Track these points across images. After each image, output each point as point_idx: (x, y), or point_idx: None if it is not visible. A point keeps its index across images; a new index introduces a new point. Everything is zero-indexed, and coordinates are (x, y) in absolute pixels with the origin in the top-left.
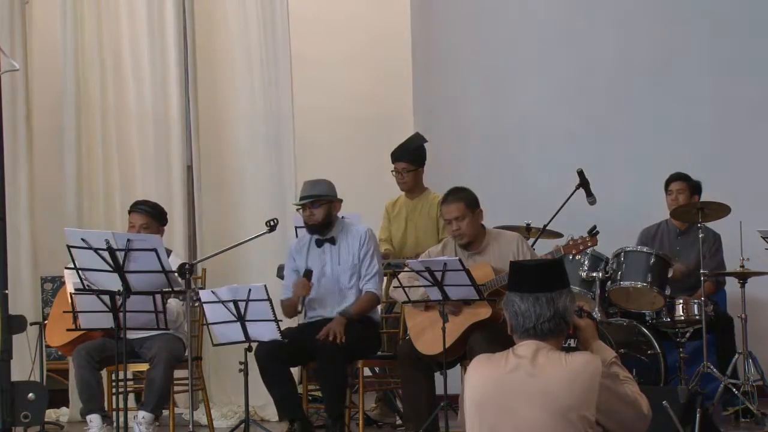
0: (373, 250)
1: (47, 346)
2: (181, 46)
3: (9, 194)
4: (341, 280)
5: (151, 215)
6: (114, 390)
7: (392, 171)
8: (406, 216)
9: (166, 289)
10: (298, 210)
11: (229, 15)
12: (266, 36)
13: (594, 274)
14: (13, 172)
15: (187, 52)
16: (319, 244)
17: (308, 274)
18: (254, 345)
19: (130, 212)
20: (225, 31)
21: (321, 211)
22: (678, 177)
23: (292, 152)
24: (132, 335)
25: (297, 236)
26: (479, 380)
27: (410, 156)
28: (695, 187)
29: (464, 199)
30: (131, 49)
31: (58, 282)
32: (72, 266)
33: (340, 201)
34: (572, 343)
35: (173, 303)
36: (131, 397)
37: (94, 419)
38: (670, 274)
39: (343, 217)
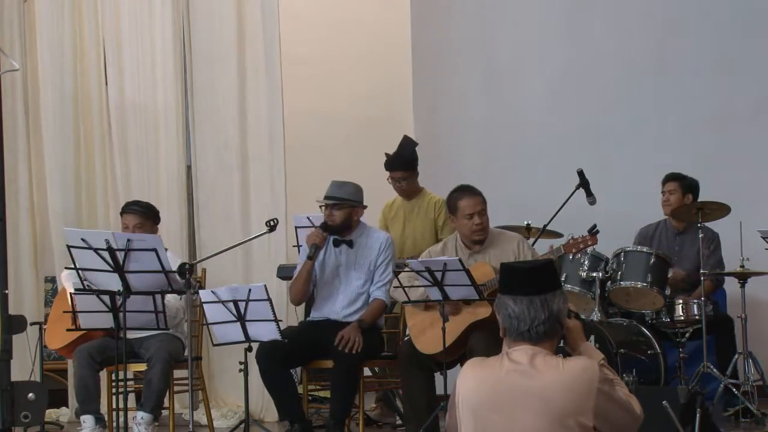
0: (390, 259)
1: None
2: (180, 45)
3: (10, 193)
4: (353, 284)
5: (144, 215)
6: (114, 390)
7: (388, 179)
8: (404, 218)
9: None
10: (321, 207)
11: (224, 15)
12: (255, 36)
13: (594, 274)
14: (14, 171)
15: (186, 51)
16: (336, 243)
17: (324, 226)
18: (254, 345)
19: (122, 213)
20: (220, 31)
21: (341, 214)
22: (671, 177)
23: (282, 153)
24: (132, 335)
25: (297, 237)
26: (474, 384)
27: (406, 164)
28: (689, 187)
29: (482, 194)
30: (130, 49)
31: (57, 281)
32: (72, 266)
33: (364, 207)
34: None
35: (171, 299)
36: (131, 397)
37: (87, 420)
38: (670, 275)
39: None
